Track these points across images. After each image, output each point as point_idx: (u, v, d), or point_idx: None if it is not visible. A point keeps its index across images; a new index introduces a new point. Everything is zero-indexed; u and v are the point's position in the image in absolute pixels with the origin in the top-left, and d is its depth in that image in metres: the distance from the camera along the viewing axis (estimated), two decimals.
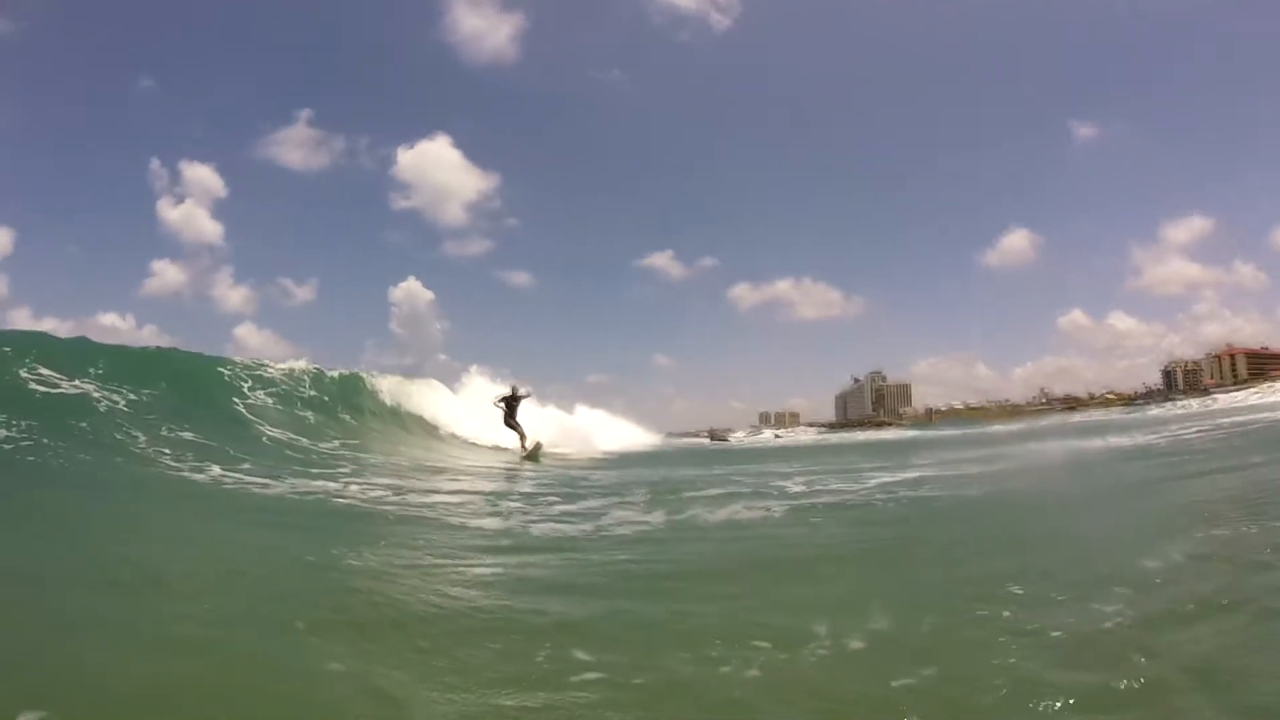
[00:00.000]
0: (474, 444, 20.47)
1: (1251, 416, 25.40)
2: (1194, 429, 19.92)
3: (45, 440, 9.17)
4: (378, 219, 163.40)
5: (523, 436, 19.83)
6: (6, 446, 8.66)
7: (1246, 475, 9.20)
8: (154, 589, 4.43)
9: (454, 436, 21.08)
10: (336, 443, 14.99)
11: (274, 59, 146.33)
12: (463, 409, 22.51)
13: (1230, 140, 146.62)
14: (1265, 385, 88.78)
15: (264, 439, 13.72)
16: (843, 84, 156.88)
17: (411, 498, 9.18)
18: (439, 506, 8.74)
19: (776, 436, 74.32)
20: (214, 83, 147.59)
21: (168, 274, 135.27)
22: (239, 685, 3.06)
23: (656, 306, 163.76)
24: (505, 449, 20.05)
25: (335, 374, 21.38)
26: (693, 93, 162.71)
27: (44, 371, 12.02)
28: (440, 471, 13.88)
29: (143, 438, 10.62)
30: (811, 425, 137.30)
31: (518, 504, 9.29)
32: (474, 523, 7.58)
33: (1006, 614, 3.77)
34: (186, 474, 9.15)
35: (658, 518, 7.60)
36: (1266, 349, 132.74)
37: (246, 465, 10.18)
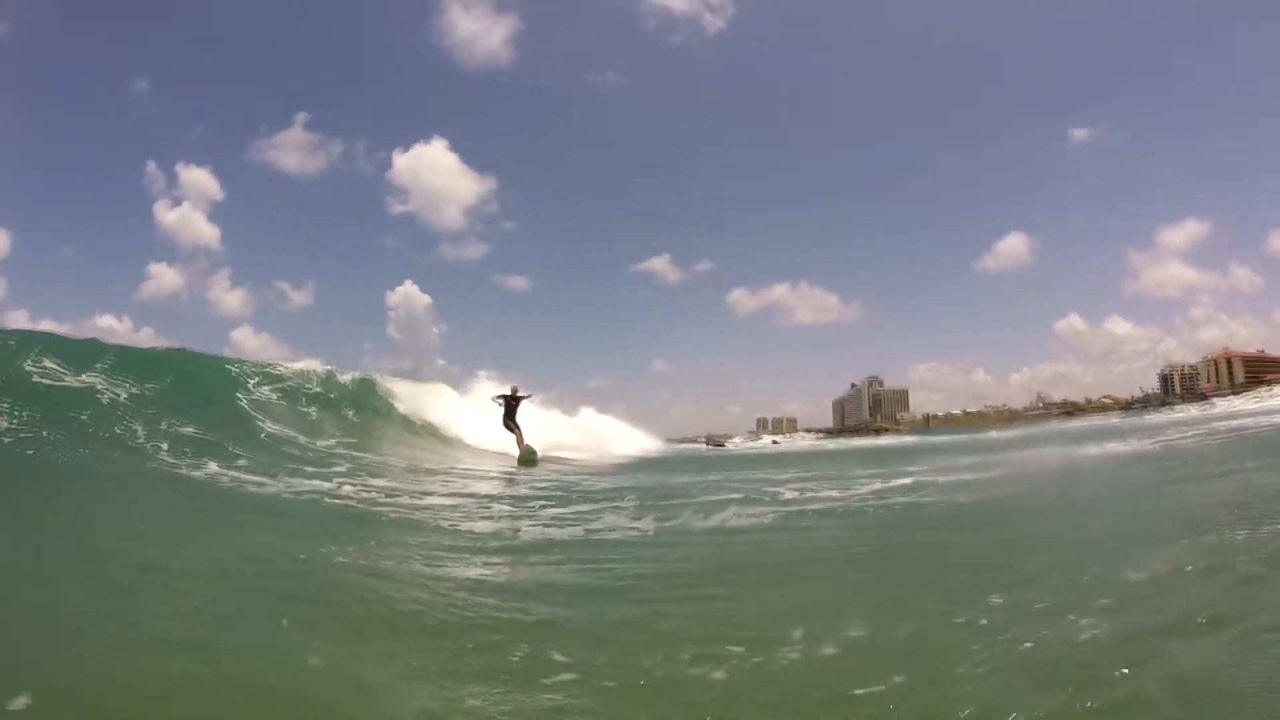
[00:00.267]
0: (475, 448, 20.33)
1: (1247, 421, 25.42)
2: (1189, 435, 19.92)
3: (45, 432, 9.16)
4: (374, 223, 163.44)
5: (520, 438, 19.76)
6: (6, 439, 8.66)
7: (1237, 480, 9.20)
8: (144, 586, 4.48)
9: (456, 440, 20.90)
10: (334, 441, 14.95)
11: (270, 62, 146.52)
12: (468, 413, 22.35)
13: (1226, 144, 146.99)
14: (1263, 390, 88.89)
15: (263, 435, 13.69)
16: (838, 88, 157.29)
17: (404, 499, 9.22)
18: (431, 508, 8.80)
19: (774, 442, 74.18)
20: (210, 86, 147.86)
21: (165, 277, 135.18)
22: (222, 678, 3.12)
23: (654, 311, 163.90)
24: (508, 453, 19.92)
25: (348, 377, 21.56)
26: (688, 95, 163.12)
27: (49, 364, 12.03)
28: (436, 473, 13.91)
29: (142, 431, 10.60)
30: (809, 431, 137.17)
31: (509, 507, 9.33)
32: (464, 525, 7.62)
33: (983, 622, 3.78)
34: (183, 470, 9.16)
35: (647, 523, 7.63)
36: (1263, 353, 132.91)
37: (243, 462, 10.19)
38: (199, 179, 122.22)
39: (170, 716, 2.83)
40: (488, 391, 21.89)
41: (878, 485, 10.71)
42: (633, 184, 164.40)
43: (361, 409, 19.83)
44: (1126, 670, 3.06)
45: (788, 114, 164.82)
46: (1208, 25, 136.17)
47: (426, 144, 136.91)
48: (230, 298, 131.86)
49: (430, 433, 20.96)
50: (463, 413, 22.59)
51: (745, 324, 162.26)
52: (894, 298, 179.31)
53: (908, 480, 11.33)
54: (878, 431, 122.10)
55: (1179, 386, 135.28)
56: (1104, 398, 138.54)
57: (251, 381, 17.29)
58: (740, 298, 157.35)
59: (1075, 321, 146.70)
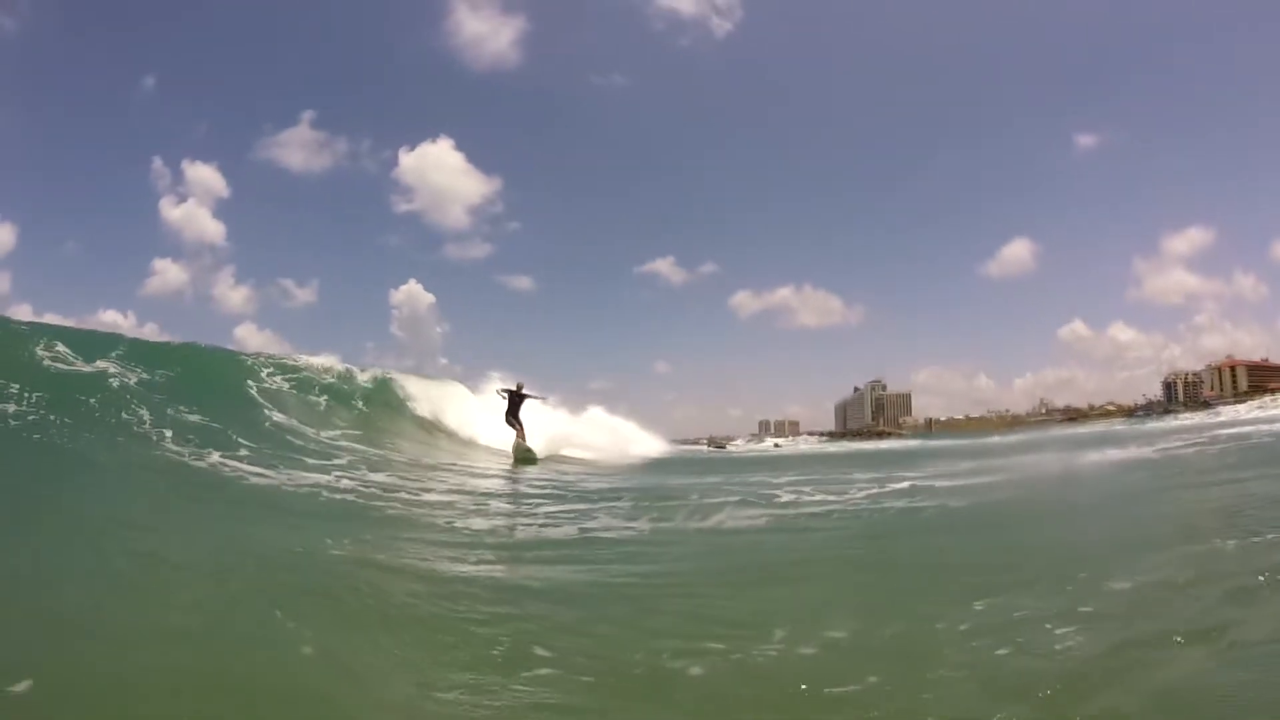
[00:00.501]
0: (482, 445, 20.18)
1: (1248, 429, 25.37)
2: (1190, 442, 19.89)
3: (52, 416, 9.24)
4: (379, 221, 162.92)
5: (520, 435, 19.71)
6: (14, 421, 8.75)
7: (1235, 489, 9.21)
8: (139, 576, 4.58)
9: (463, 437, 20.81)
10: (339, 432, 15.05)
11: (278, 61, 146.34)
12: (477, 411, 22.19)
13: (1231, 152, 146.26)
14: (1267, 398, 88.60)
15: (268, 424, 13.71)
16: (843, 91, 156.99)
17: (403, 495, 9.28)
18: (428, 504, 8.89)
19: (776, 445, 74.10)
20: (217, 83, 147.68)
21: (169, 273, 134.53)
22: (216, 666, 3.23)
23: (657, 312, 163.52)
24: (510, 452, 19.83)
25: (365, 373, 21.70)
26: (694, 98, 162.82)
27: (61, 348, 12.13)
28: (437, 469, 13.94)
29: (148, 417, 10.68)
30: (812, 434, 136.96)
31: (507, 505, 9.41)
32: (460, 522, 7.70)
33: (963, 627, 3.84)
34: (186, 459, 9.22)
35: (642, 523, 7.71)
36: (1267, 361, 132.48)
37: (245, 452, 10.25)
38: (205, 175, 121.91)
39: (162, 702, 2.91)
40: (497, 388, 21.72)
41: (874, 489, 10.74)
42: (637, 185, 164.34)
43: (369, 403, 19.85)
44: (1099, 681, 3.10)
45: (793, 117, 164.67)
46: (1213, 32, 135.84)
47: (432, 143, 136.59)
48: (234, 295, 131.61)
49: (438, 429, 20.87)
50: (472, 411, 22.40)
51: (748, 326, 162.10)
52: (897, 301, 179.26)
53: (904, 484, 11.36)
54: (880, 435, 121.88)
55: (1182, 394, 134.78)
56: (1107, 404, 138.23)
57: (265, 371, 17.40)
58: (743, 300, 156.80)
59: (1079, 327, 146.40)
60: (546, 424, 21.25)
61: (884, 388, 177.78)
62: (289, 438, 13.08)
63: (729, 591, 4.87)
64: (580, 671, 3.31)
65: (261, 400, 15.28)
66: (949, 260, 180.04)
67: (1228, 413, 70.07)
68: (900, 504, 9.15)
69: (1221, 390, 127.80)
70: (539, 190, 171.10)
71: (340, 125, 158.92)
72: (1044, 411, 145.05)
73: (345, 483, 9.50)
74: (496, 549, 6.42)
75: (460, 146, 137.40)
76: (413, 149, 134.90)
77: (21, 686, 2.84)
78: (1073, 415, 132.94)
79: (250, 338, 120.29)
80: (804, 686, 3.18)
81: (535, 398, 20.77)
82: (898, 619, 4.09)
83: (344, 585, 4.57)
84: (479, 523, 7.75)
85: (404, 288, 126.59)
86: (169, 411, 11.25)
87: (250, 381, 16.29)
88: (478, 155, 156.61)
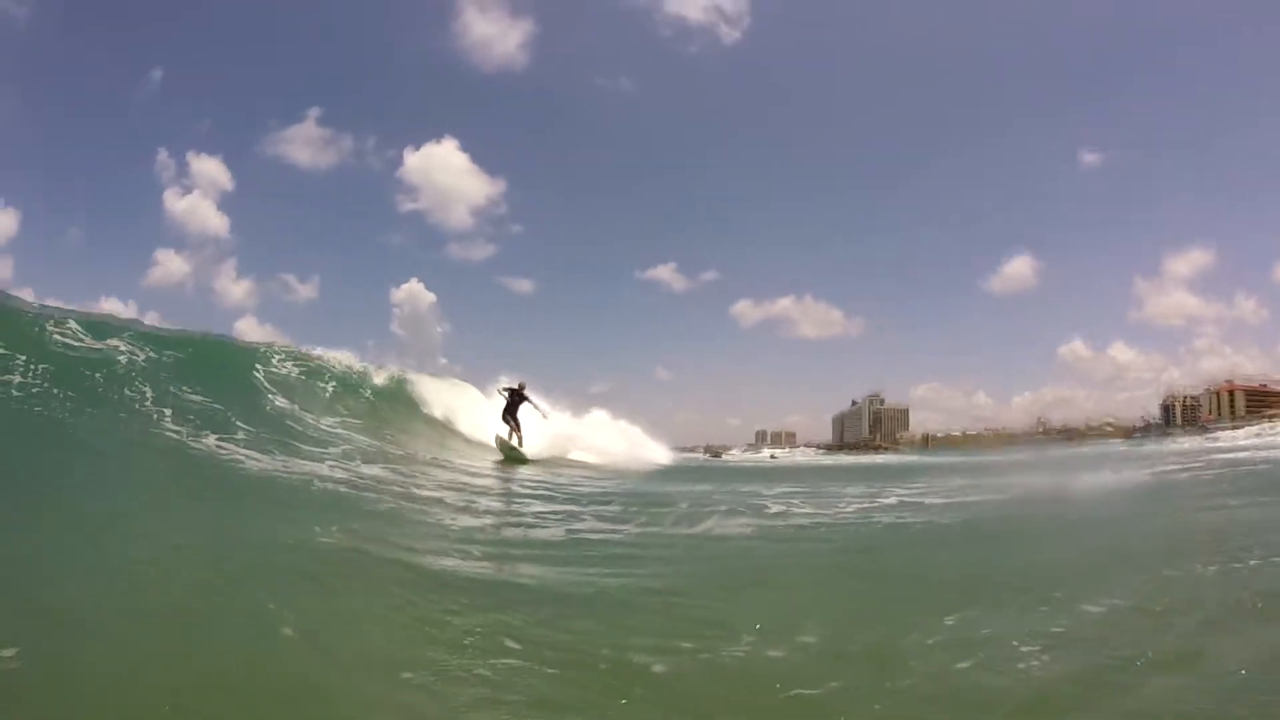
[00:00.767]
0: (478, 443, 20.05)
1: (1243, 455, 25.36)
2: (1184, 466, 19.88)
3: (55, 390, 9.32)
4: (382, 220, 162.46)
5: (513, 432, 19.63)
6: (17, 393, 8.83)
7: (1224, 515, 9.24)
8: (123, 556, 4.68)
9: (463, 435, 20.68)
10: (338, 420, 15.13)
11: (285, 58, 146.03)
12: (483, 412, 21.91)
13: (1235, 173, 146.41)
14: (1266, 425, 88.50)
15: (269, 409, 13.76)
16: (849, 101, 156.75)
17: (395, 488, 9.35)
18: (419, 499, 8.97)
19: (772, 457, 74.07)
20: (224, 78, 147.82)
21: (172, 264, 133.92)
22: (196, 646, 3.35)
23: (658, 318, 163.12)
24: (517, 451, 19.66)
25: (377, 371, 21.70)
26: (700, 105, 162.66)
27: (74, 325, 12.22)
28: (432, 464, 14.00)
29: (150, 395, 10.78)
30: (808, 445, 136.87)
31: (497, 504, 9.45)
32: (448, 517, 7.79)
33: (931, 641, 3.90)
34: (184, 440, 9.35)
35: (629, 528, 7.78)
36: (1265, 386, 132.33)
37: (242, 436, 10.32)
38: (210, 168, 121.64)
39: (138, 679, 3.02)
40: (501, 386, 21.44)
41: (864, 504, 10.77)
42: (640, 190, 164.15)
43: (375, 396, 19.84)
44: (1060, 703, 3.14)
45: (797, 125, 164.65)
46: (1219, 53, 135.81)
47: (438, 143, 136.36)
48: (236, 288, 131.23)
49: (440, 425, 20.72)
50: (476, 410, 22.20)
51: (748, 335, 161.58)
52: (898, 314, 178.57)
53: (893, 500, 11.38)
54: (876, 449, 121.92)
55: (1180, 416, 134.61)
56: (1105, 424, 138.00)
57: (277, 357, 17.51)
58: (744, 309, 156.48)
59: (1078, 347, 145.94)
60: (549, 426, 21.06)
61: (882, 402, 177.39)
62: (288, 422, 13.18)
63: (706, 595, 4.93)
64: (546, 664, 3.41)
65: (266, 384, 15.31)
66: (950, 275, 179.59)
67: (1225, 438, 69.96)
68: (888, 519, 9.18)
69: (1219, 414, 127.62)
70: (543, 193, 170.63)
71: (346, 123, 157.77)
72: (1041, 430, 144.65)
73: (339, 473, 9.58)
74: (481, 545, 6.47)
75: (465, 147, 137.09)
76: (418, 149, 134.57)
77: (9, 652, 2.98)
78: (1070, 435, 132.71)
79: (251, 332, 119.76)
80: (765, 686, 3.26)
81: (536, 407, 20.35)
82: (869, 628, 4.17)
83: (329, 572, 4.71)
84: (467, 519, 7.84)
85: (405, 286, 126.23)
86: (172, 391, 11.33)
87: (258, 365, 16.34)
88: (483, 156, 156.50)
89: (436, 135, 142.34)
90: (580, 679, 3.30)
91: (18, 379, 9.20)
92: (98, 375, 10.83)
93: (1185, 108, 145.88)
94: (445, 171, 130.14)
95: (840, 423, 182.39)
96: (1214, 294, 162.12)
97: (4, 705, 2.75)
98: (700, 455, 68.93)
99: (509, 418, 19.93)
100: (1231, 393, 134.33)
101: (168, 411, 10.29)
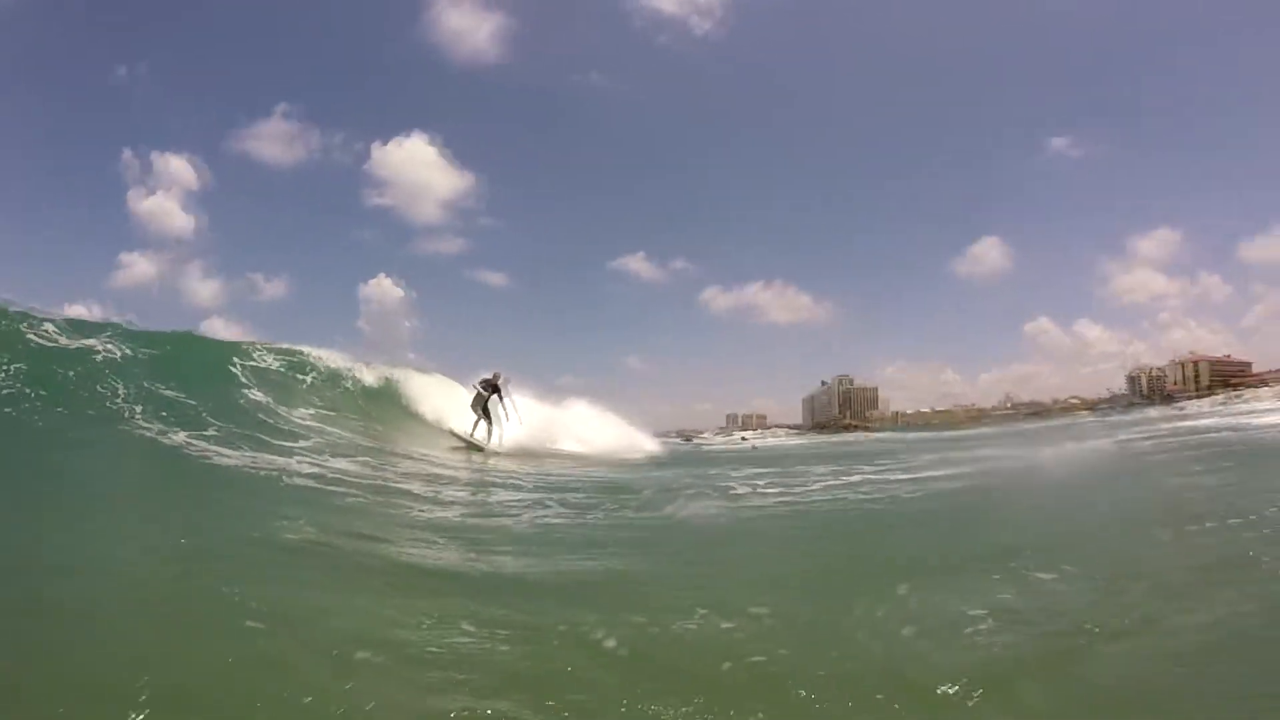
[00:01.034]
0: (454, 435, 19.71)
1: (1207, 423, 25.76)
2: (1149, 435, 20.13)
3: (28, 389, 9.20)
4: (351, 215, 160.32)
5: (478, 424, 19.39)
6: None
7: (1184, 482, 9.38)
8: (96, 556, 4.66)
9: (438, 425, 20.36)
10: (313, 410, 15.06)
11: (251, 51, 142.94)
12: (459, 404, 21.48)
13: (1199, 155, 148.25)
14: (1231, 393, 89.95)
15: (242, 401, 13.55)
16: (819, 91, 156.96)
17: (363, 480, 9.29)
18: (383, 490, 8.97)
19: (744, 439, 74.25)
20: (189, 73, 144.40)
21: (137, 266, 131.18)
22: (161, 637, 3.41)
23: (629, 308, 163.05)
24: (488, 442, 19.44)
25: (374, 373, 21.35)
26: (670, 96, 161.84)
27: (50, 329, 12.05)
28: (402, 456, 13.87)
29: (123, 391, 10.64)
30: (780, 427, 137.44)
31: (463, 493, 9.42)
32: (415, 507, 7.82)
33: (880, 611, 3.96)
34: (153, 435, 9.28)
35: (595, 514, 7.87)
36: (1229, 357, 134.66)
37: (213, 431, 10.21)
38: (175, 167, 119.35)
39: (97, 664, 3.08)
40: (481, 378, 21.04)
41: (830, 482, 10.84)
42: (611, 181, 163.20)
43: (351, 390, 19.52)
44: (1003, 669, 3.18)
45: (768, 117, 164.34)
46: (1183, 38, 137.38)
47: (407, 137, 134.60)
48: (203, 288, 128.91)
49: (414, 418, 20.57)
50: (453, 403, 21.81)
51: (718, 321, 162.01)
52: (867, 298, 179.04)
53: (858, 478, 11.42)
54: (847, 428, 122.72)
55: (1146, 388, 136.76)
56: (1071, 398, 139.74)
57: (258, 351, 17.35)
58: (714, 295, 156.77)
59: (1045, 324, 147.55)
60: (530, 417, 20.77)
61: (851, 382, 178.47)
62: (260, 415, 13.00)
63: (663, 573, 5.06)
64: (501, 643, 3.50)
65: (243, 379, 15.06)
66: (919, 258, 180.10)
67: (1191, 408, 71.12)
68: (853, 496, 9.23)
69: (1184, 385, 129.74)
70: (513, 185, 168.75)
71: (313, 118, 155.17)
72: (1009, 406, 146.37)
73: (307, 467, 9.47)
74: (445, 532, 6.52)
75: (435, 141, 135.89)
76: (386, 143, 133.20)
77: None
78: (1037, 410, 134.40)
79: (219, 332, 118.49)
80: (715, 656, 3.34)
81: (505, 403, 19.78)
82: (820, 599, 4.29)
83: (295, 564, 4.80)
84: (433, 508, 7.89)
85: (373, 282, 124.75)
86: (145, 384, 11.28)
87: (237, 359, 16.11)
88: (452, 150, 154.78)
89: (405, 129, 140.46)
90: (533, 655, 3.37)
91: None
92: (71, 374, 10.73)
93: (1151, 91, 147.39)
94: (414, 166, 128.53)
95: (810, 404, 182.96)
96: (1179, 272, 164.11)
97: None
98: (676, 440, 68.99)
99: (478, 409, 19.63)
100: (1195, 364, 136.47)
101: (139, 407, 10.19)
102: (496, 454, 18.00)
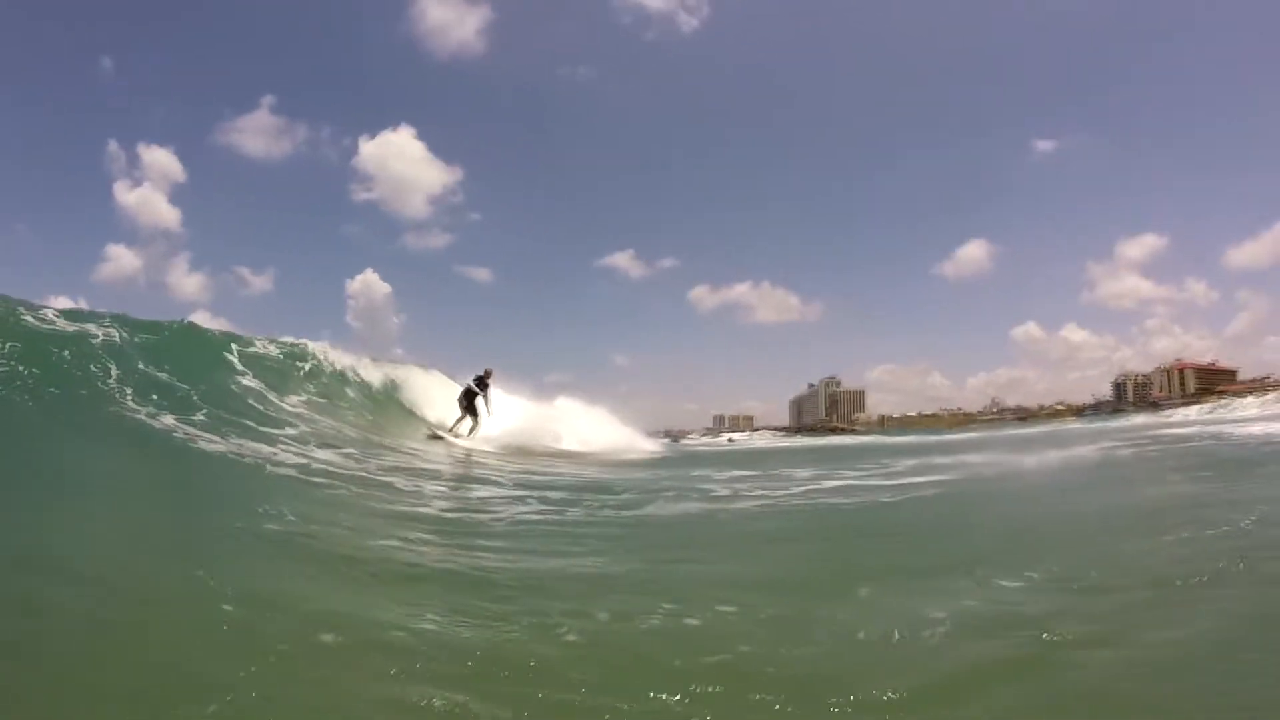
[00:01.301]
0: (435, 427, 19.77)
1: (1192, 431, 25.83)
2: (1133, 442, 20.16)
3: (21, 368, 9.18)
4: (338, 210, 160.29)
5: (461, 419, 19.44)
6: None
7: (1162, 490, 9.44)
8: (83, 541, 4.73)
9: (424, 420, 20.41)
10: (304, 397, 15.32)
11: (236, 45, 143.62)
12: (448, 398, 21.40)
13: (1185, 160, 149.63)
14: (1217, 400, 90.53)
15: (233, 387, 13.64)
16: (807, 92, 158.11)
17: (346, 471, 9.43)
18: (365, 481, 9.04)
19: (730, 441, 74.22)
20: (176, 66, 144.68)
21: (123, 259, 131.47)
22: (137, 622, 3.48)
23: (617, 305, 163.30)
24: (475, 437, 19.42)
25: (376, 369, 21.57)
26: (658, 93, 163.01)
27: (49, 314, 12.18)
28: (387, 449, 13.93)
29: (115, 371, 10.76)
30: (768, 429, 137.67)
31: (443, 487, 9.46)
32: (390, 501, 7.84)
33: (842, 613, 4.03)
34: (142, 418, 9.36)
35: (573, 511, 7.97)
36: (1215, 365, 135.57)
37: (201, 416, 10.28)
38: (160, 160, 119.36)
39: (80, 656, 3.11)
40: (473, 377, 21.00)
41: (811, 485, 10.85)
42: (598, 177, 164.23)
43: (339, 383, 19.55)
44: (958, 675, 3.21)
45: (755, 115, 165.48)
46: (1169, 43, 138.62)
47: (393, 131, 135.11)
48: (189, 282, 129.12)
49: (398, 410, 20.61)
50: (444, 398, 21.75)
51: (706, 321, 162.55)
52: (854, 300, 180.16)
53: (839, 482, 11.41)
54: (834, 430, 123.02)
55: (1132, 394, 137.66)
56: (1057, 404, 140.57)
57: (258, 339, 17.57)
58: (702, 295, 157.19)
59: (1032, 329, 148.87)
60: (518, 413, 20.77)
61: (838, 384, 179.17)
62: (250, 401, 13.16)
63: (634, 571, 5.10)
64: (462, 631, 3.60)
65: (239, 365, 15.20)
66: (906, 260, 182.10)
67: (1178, 415, 71.48)
68: (833, 500, 9.24)
69: (1170, 392, 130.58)
70: (500, 181, 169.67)
71: (300, 111, 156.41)
72: (995, 410, 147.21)
73: (291, 457, 9.61)
74: (422, 525, 6.63)
75: (422, 135, 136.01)
76: (373, 137, 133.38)
77: None
78: (1023, 414, 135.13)
79: (204, 326, 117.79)
80: (676, 650, 3.41)
81: (489, 399, 20.03)
82: (786, 599, 4.32)
83: (272, 553, 4.92)
84: (412, 502, 7.93)
85: (360, 277, 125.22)
86: (139, 365, 11.46)
87: (234, 345, 16.26)
88: (439, 144, 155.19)
89: (392, 123, 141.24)
90: (496, 645, 3.44)
91: None
92: (65, 353, 10.75)
93: (1138, 96, 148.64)
94: (401, 160, 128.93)
95: (797, 405, 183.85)
96: (1165, 278, 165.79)
97: None
98: (666, 440, 68.85)
99: (464, 402, 19.69)
100: (1182, 371, 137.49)
101: (130, 389, 10.28)
102: (485, 452, 17.93)
